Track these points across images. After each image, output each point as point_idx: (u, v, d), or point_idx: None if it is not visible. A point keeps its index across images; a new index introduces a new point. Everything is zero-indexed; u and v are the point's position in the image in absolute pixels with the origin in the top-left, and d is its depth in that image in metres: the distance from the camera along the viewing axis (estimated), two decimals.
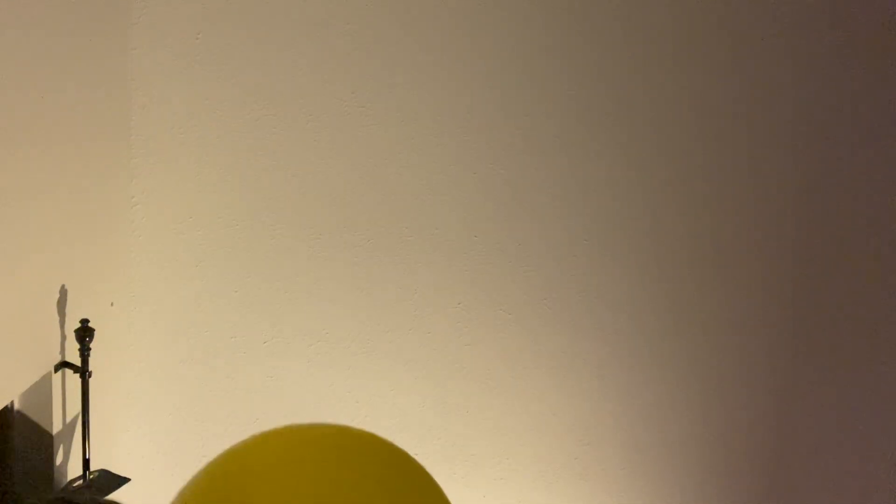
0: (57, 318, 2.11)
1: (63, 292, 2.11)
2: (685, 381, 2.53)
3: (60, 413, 2.18)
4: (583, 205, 2.49)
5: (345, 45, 2.45)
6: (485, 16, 2.43)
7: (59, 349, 2.14)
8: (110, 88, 2.38)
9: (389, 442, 1.05)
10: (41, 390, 2.12)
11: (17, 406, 2.10)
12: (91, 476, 2.16)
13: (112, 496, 2.10)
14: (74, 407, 2.18)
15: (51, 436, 2.16)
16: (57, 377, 2.15)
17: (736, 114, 2.42)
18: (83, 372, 2.12)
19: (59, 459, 2.19)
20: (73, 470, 2.21)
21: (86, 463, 2.14)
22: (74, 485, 2.17)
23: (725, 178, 2.45)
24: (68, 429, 2.20)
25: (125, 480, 2.19)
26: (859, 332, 2.46)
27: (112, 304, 2.43)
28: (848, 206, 2.43)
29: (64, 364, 2.14)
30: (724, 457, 2.53)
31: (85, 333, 2.10)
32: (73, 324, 2.12)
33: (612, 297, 2.52)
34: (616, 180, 2.48)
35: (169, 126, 2.47)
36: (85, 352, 2.11)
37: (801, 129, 2.41)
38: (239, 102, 2.47)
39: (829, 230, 2.44)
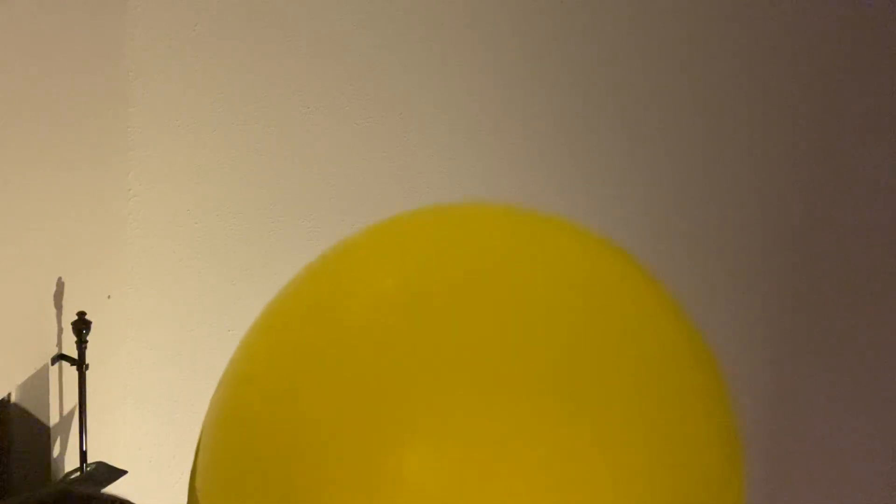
0: (54, 310, 2.11)
1: (60, 285, 2.11)
2: None
3: (57, 405, 2.18)
4: (582, 198, 2.48)
5: (344, 37, 2.43)
6: (484, 7, 2.41)
7: (55, 342, 2.13)
8: (107, 80, 2.37)
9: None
10: (38, 383, 2.11)
11: (13, 399, 2.10)
12: (88, 468, 2.15)
13: (109, 488, 2.10)
14: (71, 399, 2.18)
15: (48, 428, 2.16)
16: (54, 370, 2.15)
17: (738, 109, 2.41)
18: (80, 364, 2.11)
19: (55, 452, 2.19)
20: (70, 462, 2.21)
21: (83, 455, 2.14)
22: (71, 477, 2.17)
23: (726, 173, 2.44)
24: (65, 421, 2.20)
25: (122, 473, 2.19)
26: (859, 332, 2.45)
27: (109, 297, 2.42)
28: (849, 204, 2.42)
29: (61, 357, 2.14)
30: None
31: (82, 326, 2.09)
32: (70, 316, 2.12)
33: None
34: (616, 175, 2.47)
35: (166, 118, 2.46)
36: (82, 344, 2.10)
37: (805, 126, 2.40)
38: (237, 94, 2.46)
39: (830, 229, 2.43)
